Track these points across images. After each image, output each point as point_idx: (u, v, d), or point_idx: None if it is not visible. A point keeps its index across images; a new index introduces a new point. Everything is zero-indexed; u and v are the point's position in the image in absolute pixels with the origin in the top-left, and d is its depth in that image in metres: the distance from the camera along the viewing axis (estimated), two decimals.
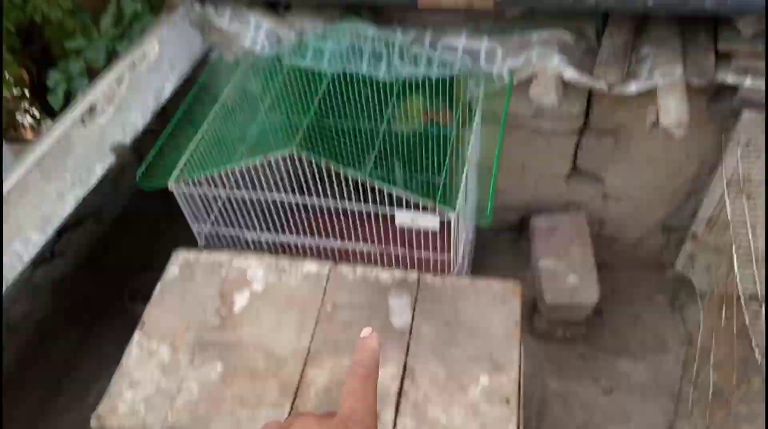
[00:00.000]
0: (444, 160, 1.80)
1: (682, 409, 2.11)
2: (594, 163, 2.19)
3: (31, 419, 2.21)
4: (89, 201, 2.52)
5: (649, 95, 1.79)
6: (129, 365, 1.65)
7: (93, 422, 1.55)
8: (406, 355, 1.61)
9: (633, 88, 1.76)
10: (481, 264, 2.42)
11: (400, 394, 1.55)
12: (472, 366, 1.59)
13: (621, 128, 2.04)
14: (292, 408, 1.53)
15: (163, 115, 2.09)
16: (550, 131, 2.09)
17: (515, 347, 1.61)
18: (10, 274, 1.42)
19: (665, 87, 1.69)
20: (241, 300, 1.75)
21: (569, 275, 2.10)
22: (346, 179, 1.60)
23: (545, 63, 1.77)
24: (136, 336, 1.70)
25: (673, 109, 1.69)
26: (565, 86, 1.85)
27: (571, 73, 1.77)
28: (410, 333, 1.66)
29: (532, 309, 2.28)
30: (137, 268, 2.69)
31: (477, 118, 1.79)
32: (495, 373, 1.57)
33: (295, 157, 1.57)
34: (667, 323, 2.36)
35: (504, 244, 2.63)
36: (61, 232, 2.40)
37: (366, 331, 0.55)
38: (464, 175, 1.61)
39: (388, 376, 1.58)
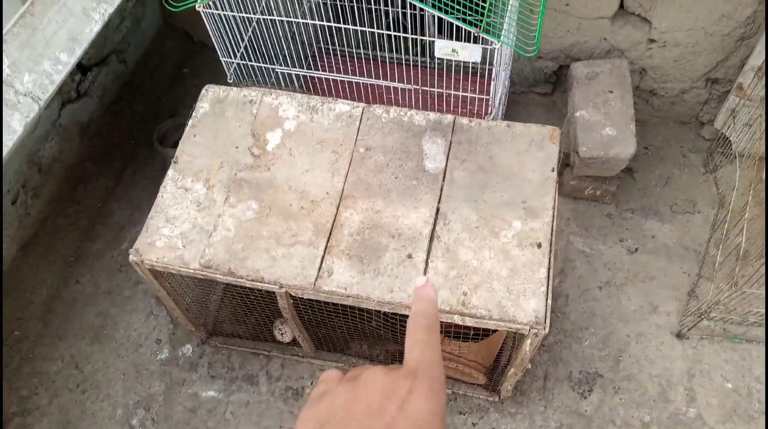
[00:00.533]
0: None
1: (706, 270, 2.13)
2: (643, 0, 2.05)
3: (66, 264, 2.29)
4: (112, 39, 2.44)
5: None
6: (164, 202, 1.66)
7: (131, 257, 1.59)
8: (439, 199, 1.61)
9: None
10: (511, 121, 2.36)
11: (432, 237, 1.56)
12: (505, 211, 1.58)
13: None
14: (326, 247, 1.55)
15: None
16: None
17: (550, 193, 1.60)
18: (42, 94, 1.40)
19: None
20: (273, 138, 1.73)
21: (606, 127, 2.04)
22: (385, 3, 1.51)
23: None
24: (170, 172, 1.70)
25: None
26: None
27: None
28: (443, 177, 1.64)
29: (563, 164, 2.25)
30: (164, 112, 2.66)
31: None
32: (528, 218, 1.57)
33: None
34: (699, 184, 2.32)
35: (537, 99, 2.55)
36: (87, 69, 2.35)
37: (421, 280, 0.53)
38: (509, 3, 1.50)
39: (420, 219, 1.58)
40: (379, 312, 1.67)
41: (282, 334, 2.03)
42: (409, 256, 1.54)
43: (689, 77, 2.24)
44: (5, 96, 1.35)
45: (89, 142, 2.45)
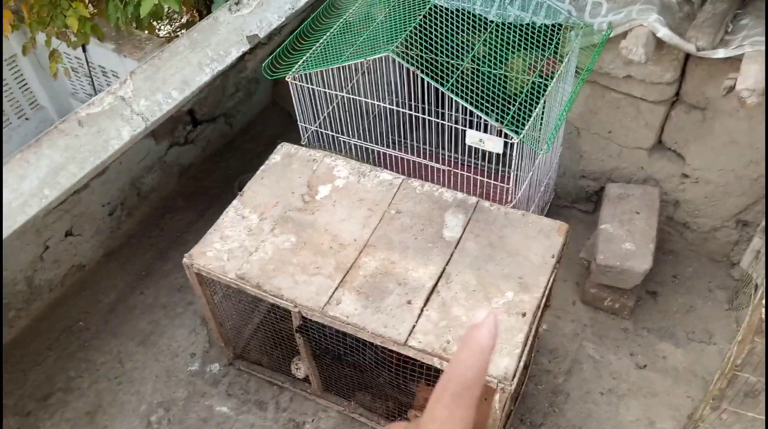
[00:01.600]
0: (524, 97, 1.96)
1: (710, 401, 2.16)
2: (679, 138, 2.26)
3: (137, 277, 2.65)
4: (225, 103, 2.93)
5: (736, 65, 1.86)
6: (223, 224, 2.00)
7: (185, 260, 1.91)
8: (447, 262, 1.84)
9: (721, 53, 1.85)
10: None
11: (432, 290, 1.78)
12: (502, 282, 1.78)
13: (710, 104, 2.11)
14: (341, 281, 1.80)
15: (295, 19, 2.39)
16: (641, 97, 2.20)
17: (545, 275, 1.79)
18: (151, 117, 1.79)
19: (752, 54, 1.76)
20: (324, 190, 2.05)
21: (626, 242, 2.20)
22: (433, 95, 1.83)
23: (642, 19, 1.89)
24: (235, 202, 2.04)
25: (753, 75, 1.76)
26: (659, 48, 1.96)
27: (663, 32, 1.88)
28: (456, 245, 1.88)
29: (585, 272, 2.40)
30: (253, 169, 3.08)
31: (571, 64, 1.95)
32: (520, 291, 1.76)
33: (391, 63, 1.82)
34: (721, 319, 2.39)
35: (578, 214, 2.75)
36: (198, 122, 2.82)
37: (480, 316, 0.39)
38: (537, 109, 1.78)
39: (427, 274, 1.81)
40: (391, 367, 1.86)
41: (297, 369, 2.25)
42: (409, 302, 1.76)
43: (720, 216, 2.39)
44: (122, 112, 1.76)
45: (185, 182, 2.89)
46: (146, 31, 3.19)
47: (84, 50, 3.10)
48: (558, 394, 2.23)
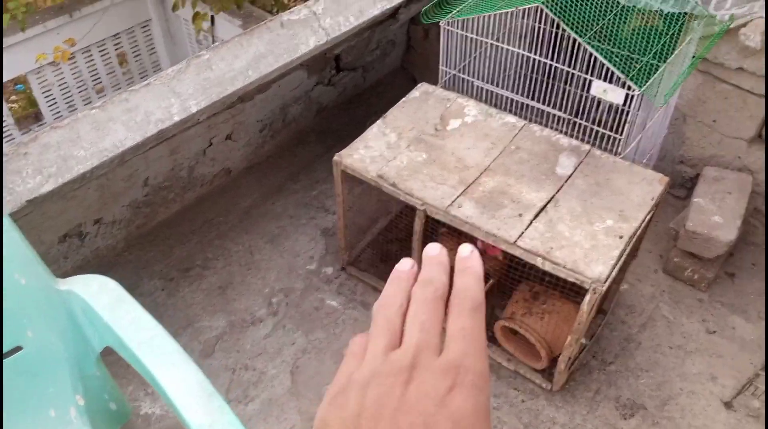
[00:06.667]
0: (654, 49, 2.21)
1: None
2: None
3: (271, 191, 3.05)
4: (364, 57, 3.32)
5: None
6: (368, 136, 2.36)
7: (335, 158, 2.28)
8: (557, 191, 2.13)
9: None
10: None
11: (542, 209, 2.07)
12: (604, 212, 2.06)
13: None
14: (463, 192, 2.12)
15: None
16: (749, 90, 2.43)
17: (643, 212, 2.05)
18: (332, 33, 2.16)
19: None
20: (454, 124, 2.38)
21: (715, 215, 2.43)
22: (568, 42, 2.14)
23: (763, 13, 2.15)
24: (378, 121, 2.41)
25: None
26: None
27: None
28: (566, 180, 2.17)
29: (671, 245, 2.63)
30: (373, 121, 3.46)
31: (691, 45, 2.21)
32: (619, 220, 2.03)
33: (536, 13, 2.15)
34: None
35: (670, 199, 2.97)
36: (341, 69, 3.23)
37: (466, 249, 0.46)
38: (661, 69, 2.05)
39: (538, 197, 2.11)
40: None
41: None
42: (520, 215, 2.06)
43: None
44: (312, 24, 2.15)
45: (318, 120, 3.29)
46: (276, 9, 3.63)
47: (212, 22, 3.56)
48: (630, 341, 2.47)
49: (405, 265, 0.47)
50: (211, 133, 2.66)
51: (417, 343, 0.42)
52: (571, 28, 2.06)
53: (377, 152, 2.30)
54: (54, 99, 3.95)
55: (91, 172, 1.85)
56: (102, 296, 1.67)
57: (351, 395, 0.41)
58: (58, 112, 4.01)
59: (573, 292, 2.16)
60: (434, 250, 0.46)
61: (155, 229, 2.83)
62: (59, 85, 3.91)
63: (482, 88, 2.48)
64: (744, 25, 2.25)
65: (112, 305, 1.64)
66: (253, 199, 3.01)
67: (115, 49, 4.05)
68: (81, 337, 1.76)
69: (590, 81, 2.15)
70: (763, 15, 2.21)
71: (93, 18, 3.72)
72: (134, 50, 4.14)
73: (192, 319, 2.56)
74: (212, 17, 3.51)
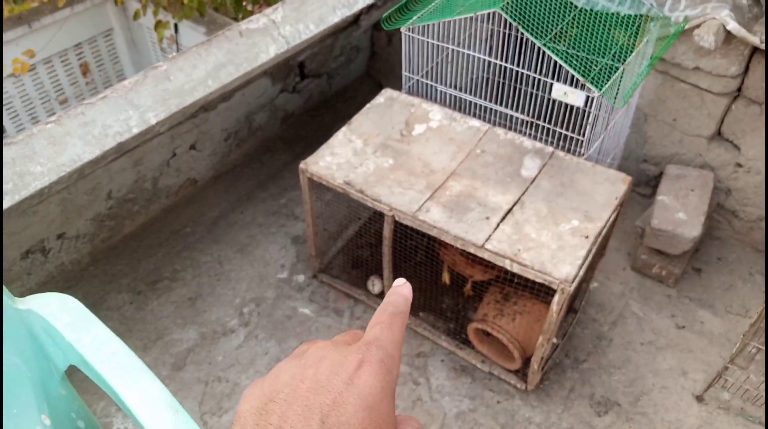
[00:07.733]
0: (612, 51, 2.23)
1: (740, 360, 2.39)
2: (737, 129, 2.52)
3: (239, 200, 3.02)
4: (329, 64, 3.31)
5: None
6: (333, 143, 2.35)
7: (301, 165, 2.26)
8: (523, 193, 2.14)
9: None
10: None
11: (508, 212, 2.08)
12: (570, 212, 2.07)
13: None
14: (430, 196, 2.12)
15: None
16: (706, 89, 2.47)
17: (608, 212, 2.07)
18: (292, 41, 2.16)
19: None
20: (419, 129, 2.38)
21: (680, 212, 2.46)
22: (531, 45, 2.15)
23: (715, 13, 2.19)
24: (344, 128, 2.40)
25: None
26: (727, 43, 2.24)
27: (732, 25, 2.17)
28: (531, 182, 2.18)
29: (638, 242, 2.66)
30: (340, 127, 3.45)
31: (648, 46, 2.24)
32: (585, 220, 2.05)
33: (495, 18, 2.15)
34: (758, 299, 2.60)
35: (636, 197, 3.01)
36: (305, 76, 3.21)
37: (400, 281, 0.53)
38: (618, 71, 2.08)
39: (504, 200, 2.12)
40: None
41: (373, 285, 2.57)
42: (487, 218, 2.07)
43: None
44: (272, 32, 2.14)
45: (285, 127, 3.27)
46: (240, 14, 3.61)
47: (176, 30, 3.53)
48: (602, 339, 2.49)
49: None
50: (174, 144, 2.62)
51: (344, 335, 0.49)
52: (530, 32, 2.07)
53: (344, 159, 2.29)
54: (16, 111, 3.86)
55: (49, 187, 1.81)
56: (63, 314, 1.62)
57: (266, 383, 0.43)
58: (20, 125, 3.92)
59: (543, 292, 2.17)
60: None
61: (121, 242, 2.79)
62: (20, 98, 3.83)
63: (446, 93, 2.49)
64: (698, 26, 2.28)
65: (73, 323, 1.60)
66: (221, 209, 2.98)
67: (78, 60, 3.98)
68: (44, 357, 1.71)
69: (551, 84, 2.16)
70: (716, 15, 2.25)
71: (53, 28, 3.65)
72: (97, 60, 4.07)
73: (162, 333, 2.52)
74: (176, 25, 3.48)
